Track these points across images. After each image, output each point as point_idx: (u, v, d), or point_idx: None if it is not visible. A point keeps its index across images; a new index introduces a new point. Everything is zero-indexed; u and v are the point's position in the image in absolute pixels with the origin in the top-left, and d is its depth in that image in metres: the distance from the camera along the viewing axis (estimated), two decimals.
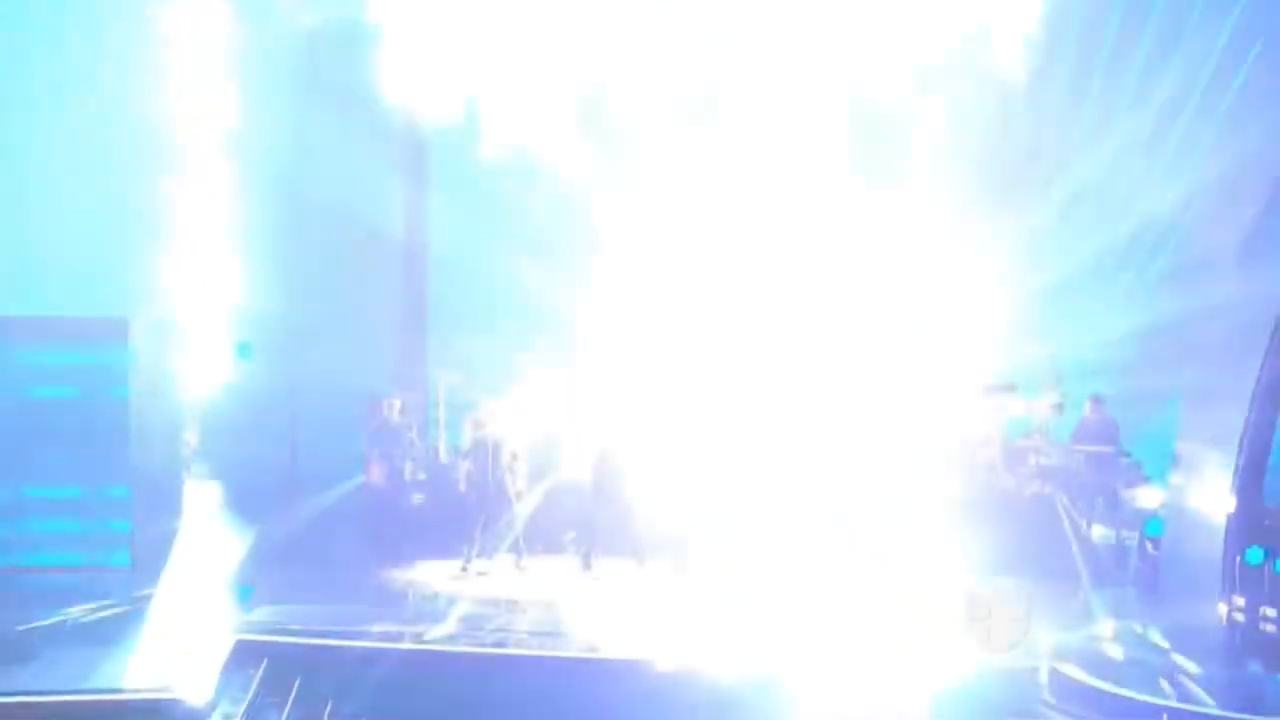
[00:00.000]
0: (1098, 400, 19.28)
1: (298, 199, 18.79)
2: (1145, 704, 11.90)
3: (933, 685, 12.36)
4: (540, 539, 18.01)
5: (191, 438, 19.54)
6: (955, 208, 20.74)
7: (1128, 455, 19.11)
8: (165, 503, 17.07)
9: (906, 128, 20.25)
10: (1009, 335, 20.63)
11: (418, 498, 19.10)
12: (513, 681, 12.69)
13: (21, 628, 13.52)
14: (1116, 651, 13.48)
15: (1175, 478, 17.03)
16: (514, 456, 17.32)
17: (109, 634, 13.43)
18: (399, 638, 13.53)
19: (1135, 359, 19.20)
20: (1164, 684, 12.41)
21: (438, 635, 13.79)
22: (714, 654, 13.67)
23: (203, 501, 18.11)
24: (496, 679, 12.72)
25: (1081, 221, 20.14)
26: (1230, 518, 15.20)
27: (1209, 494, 15.76)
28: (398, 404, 19.55)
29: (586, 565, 17.29)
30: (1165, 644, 13.75)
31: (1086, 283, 19.99)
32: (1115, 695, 11.99)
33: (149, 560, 15.55)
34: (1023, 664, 12.95)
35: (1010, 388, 20.11)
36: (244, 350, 19.36)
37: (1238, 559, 15.11)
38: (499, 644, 13.62)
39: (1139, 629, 14.23)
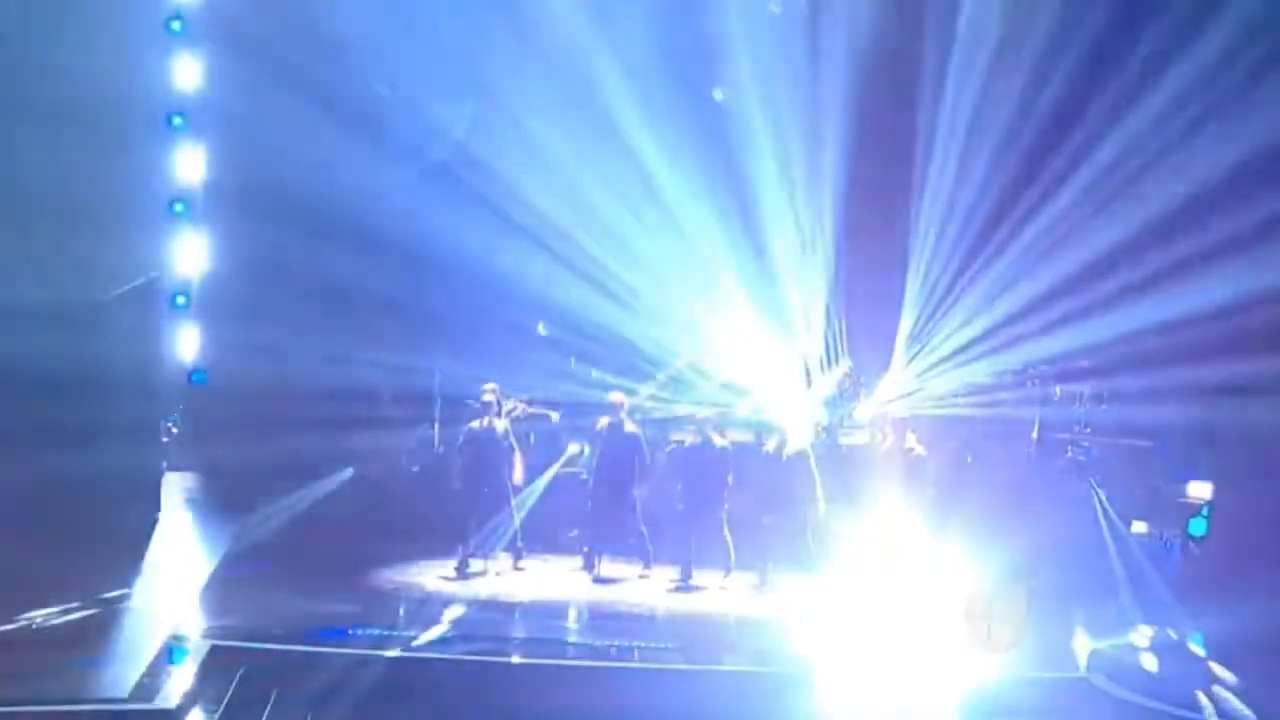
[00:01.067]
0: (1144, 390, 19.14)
1: (283, 180, 18.75)
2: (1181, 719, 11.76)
3: (954, 695, 12.25)
4: (540, 537, 17.95)
5: (172, 428, 19.53)
6: (991, 186, 20.74)
7: (1171, 449, 18.97)
8: (141, 497, 17.04)
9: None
10: (1048, 322, 20.59)
11: (409, 493, 19.05)
12: (510, 691, 12.59)
13: None
14: (1151, 660, 13.33)
15: (1221, 474, 16.93)
16: (513, 448, 17.20)
17: (76, 638, 13.36)
18: (387, 644, 13.46)
19: (1181, 348, 19.05)
20: (1202, 698, 12.24)
21: (429, 641, 13.70)
22: (730, 657, 13.68)
23: (181, 495, 18.08)
24: (492, 689, 12.63)
25: (1124, 205, 20.05)
26: None
27: (1256, 492, 15.64)
28: (387, 393, 19.48)
29: (590, 566, 17.20)
30: (1205, 653, 13.59)
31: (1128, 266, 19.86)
32: (1148, 709, 11.82)
33: (121, 559, 15.49)
34: (1051, 673, 12.82)
35: (1046, 377, 20.04)
36: (198, 377, 19.42)
37: None
38: (495, 651, 13.49)
39: (1178, 636, 14.07)
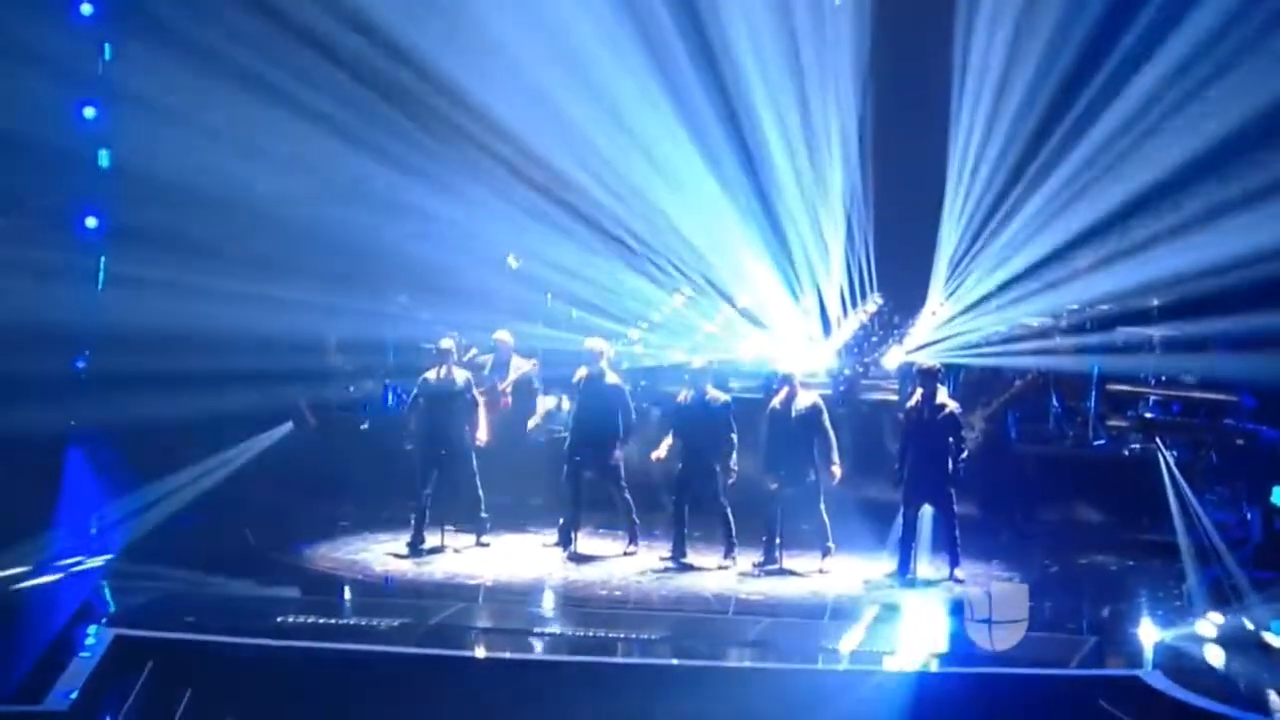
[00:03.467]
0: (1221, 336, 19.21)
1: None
2: None
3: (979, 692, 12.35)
4: (508, 508, 18.00)
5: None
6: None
7: (1256, 405, 19.02)
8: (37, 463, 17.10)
9: None
10: (1114, 253, 20.57)
11: (354, 455, 19.11)
12: (471, 691, 12.65)
13: None
14: (1219, 656, 13.36)
15: None
16: (475, 403, 17.22)
17: None
18: (324, 634, 13.49)
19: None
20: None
21: (374, 631, 13.72)
22: (730, 651, 13.73)
23: (82, 459, 18.12)
24: (450, 688, 12.67)
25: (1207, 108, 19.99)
26: None
27: None
28: (333, 339, 19.51)
29: (566, 542, 17.24)
30: None
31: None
32: (1214, 713, 11.86)
33: (10, 534, 15.58)
34: (1098, 669, 12.88)
35: (1109, 319, 20.07)
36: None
37: None
38: (453, 643, 13.53)
39: (1253, 627, 14.09)
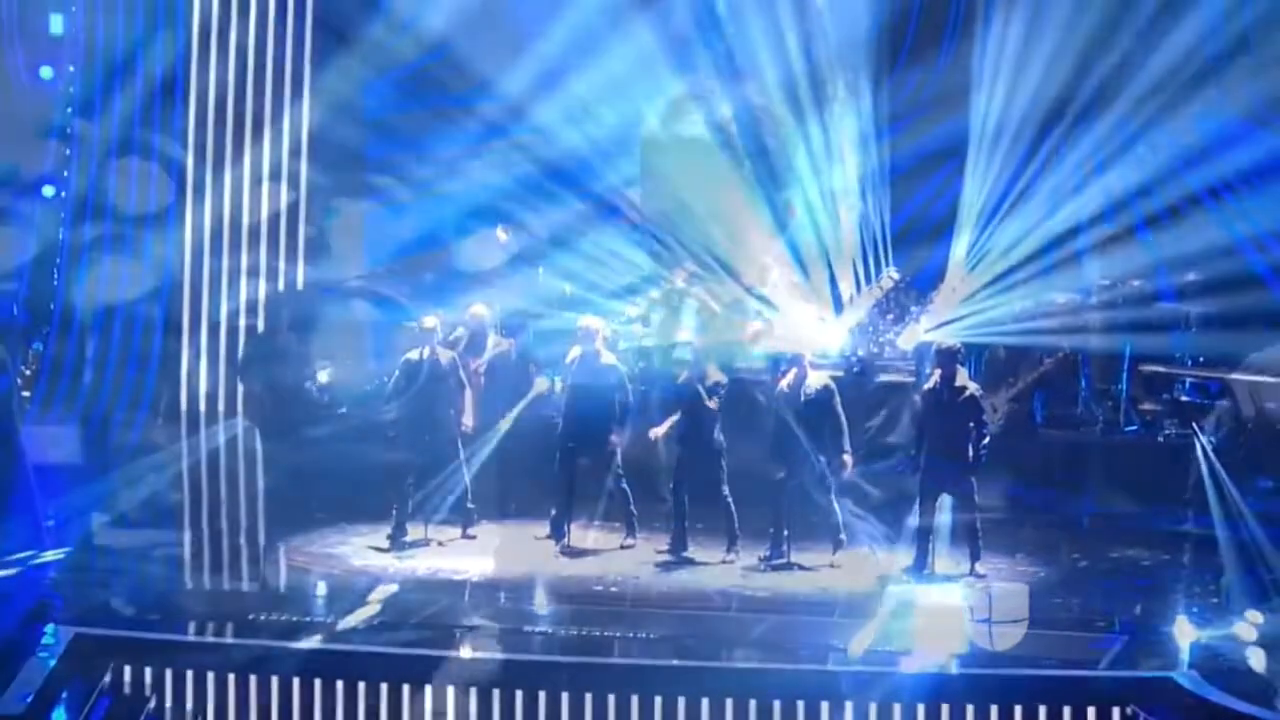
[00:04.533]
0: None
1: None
2: None
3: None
4: (496, 498, 18.01)
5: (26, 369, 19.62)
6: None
7: None
8: None
9: None
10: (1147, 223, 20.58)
11: (330, 441, 19.14)
12: (456, 693, 12.64)
13: None
14: (1259, 656, 13.37)
15: None
16: (462, 384, 17.23)
17: None
18: (299, 633, 13.50)
19: None
20: None
21: (352, 630, 13.77)
22: (733, 651, 13.75)
23: (41, 445, 18.14)
24: (429, 688, 12.69)
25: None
26: None
27: None
28: (285, 315, 19.58)
29: (559, 535, 17.27)
30: None
31: None
32: (1250, 716, 11.89)
33: None
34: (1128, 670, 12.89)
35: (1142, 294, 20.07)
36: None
37: None
38: (438, 642, 13.55)
39: None
